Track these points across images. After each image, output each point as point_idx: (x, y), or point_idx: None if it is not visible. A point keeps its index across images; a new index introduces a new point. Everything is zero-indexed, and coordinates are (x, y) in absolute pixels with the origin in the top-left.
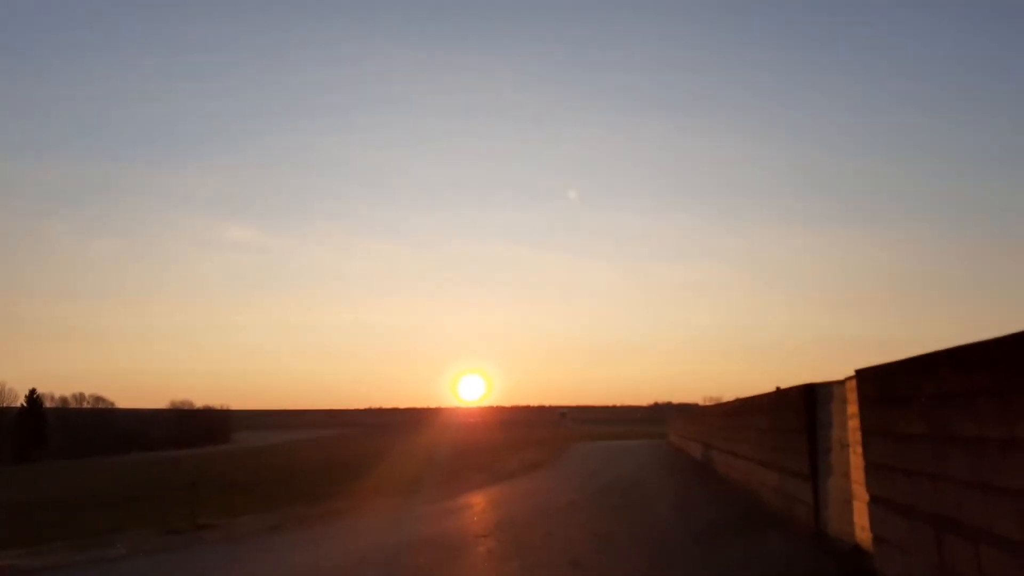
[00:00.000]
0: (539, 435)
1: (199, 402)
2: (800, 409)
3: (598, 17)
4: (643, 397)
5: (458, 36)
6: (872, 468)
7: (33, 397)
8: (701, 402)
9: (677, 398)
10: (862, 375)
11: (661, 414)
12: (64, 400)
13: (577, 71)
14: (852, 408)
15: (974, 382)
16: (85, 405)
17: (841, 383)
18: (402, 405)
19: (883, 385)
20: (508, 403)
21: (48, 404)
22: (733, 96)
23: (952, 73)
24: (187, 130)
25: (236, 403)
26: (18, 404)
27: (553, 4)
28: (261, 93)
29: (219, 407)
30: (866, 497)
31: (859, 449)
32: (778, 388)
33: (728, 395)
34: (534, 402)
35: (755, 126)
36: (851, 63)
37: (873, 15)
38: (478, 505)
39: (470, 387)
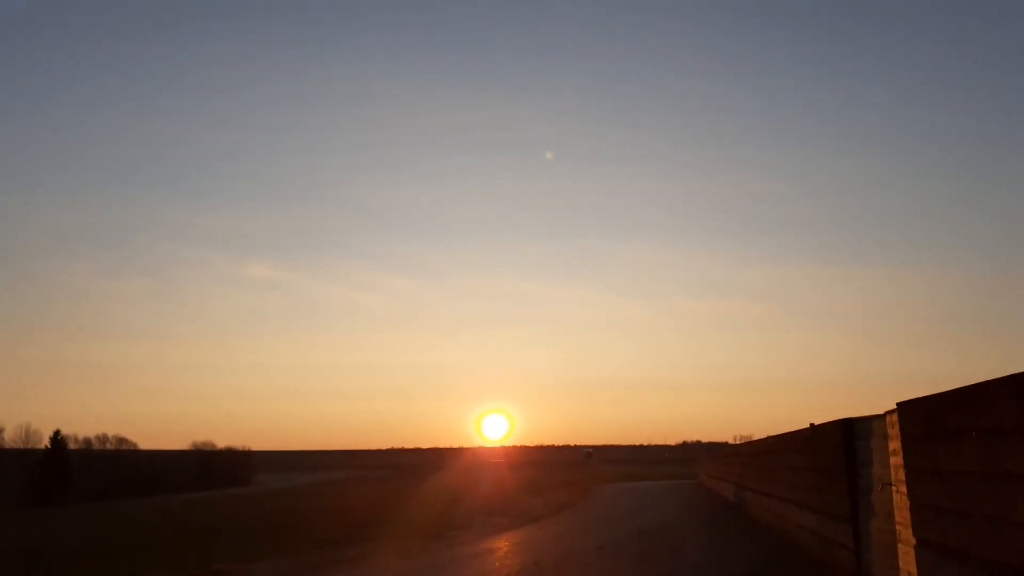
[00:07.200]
0: (564, 476)
1: (221, 443)
2: (837, 446)
3: (629, 51)
4: (671, 436)
5: (482, 73)
6: (919, 509)
7: (57, 439)
8: (732, 441)
9: (707, 437)
10: (904, 408)
11: (690, 453)
12: (88, 441)
13: (605, 106)
14: (894, 444)
15: None
16: (108, 446)
17: (881, 417)
18: (425, 445)
19: (928, 419)
20: (532, 442)
21: (72, 446)
22: (767, 130)
23: (986, 107)
24: (209, 169)
25: (257, 444)
26: (43, 446)
27: (587, 42)
28: (282, 131)
29: (241, 448)
30: (912, 540)
31: (903, 488)
32: (812, 424)
33: (759, 433)
34: (559, 441)
35: (786, 160)
36: (889, 96)
37: (920, 46)
38: (501, 550)
39: (494, 426)
